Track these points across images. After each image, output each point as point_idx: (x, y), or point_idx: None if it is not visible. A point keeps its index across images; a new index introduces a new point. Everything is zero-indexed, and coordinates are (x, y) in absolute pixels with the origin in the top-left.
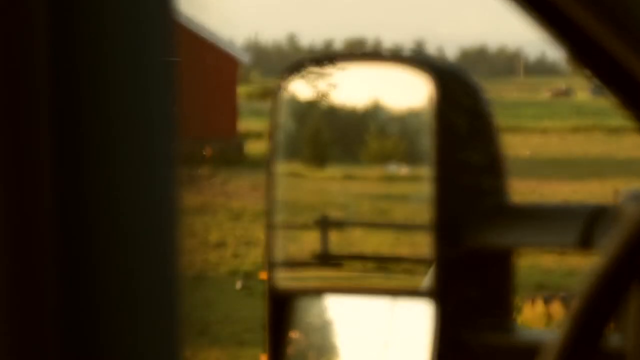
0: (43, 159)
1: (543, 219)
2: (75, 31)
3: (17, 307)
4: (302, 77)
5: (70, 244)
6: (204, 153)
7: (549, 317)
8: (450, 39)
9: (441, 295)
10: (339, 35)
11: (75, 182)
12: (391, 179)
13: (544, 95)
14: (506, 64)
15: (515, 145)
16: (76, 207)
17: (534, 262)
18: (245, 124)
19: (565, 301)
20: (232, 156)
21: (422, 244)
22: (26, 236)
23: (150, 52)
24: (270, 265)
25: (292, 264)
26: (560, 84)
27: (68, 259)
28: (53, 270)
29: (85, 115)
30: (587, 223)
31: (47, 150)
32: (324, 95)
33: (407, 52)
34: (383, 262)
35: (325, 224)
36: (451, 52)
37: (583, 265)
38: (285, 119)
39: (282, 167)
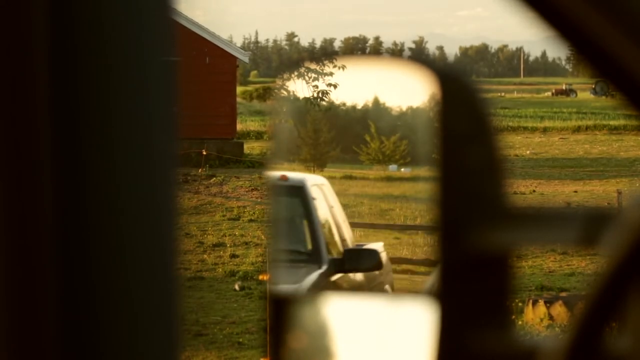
0: (43, 159)
1: (544, 220)
2: (75, 32)
3: (17, 307)
4: (302, 76)
5: (69, 243)
6: (203, 153)
7: (550, 318)
8: (450, 38)
9: (442, 296)
10: (339, 34)
11: (75, 182)
12: (391, 179)
13: (545, 94)
14: (506, 63)
15: (516, 145)
16: (75, 206)
17: (536, 263)
18: (245, 124)
19: (566, 302)
20: (231, 156)
21: (423, 245)
22: (26, 235)
23: (150, 52)
24: (271, 266)
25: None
26: (561, 83)
27: (67, 258)
28: (52, 269)
29: (85, 115)
30: (589, 224)
31: (47, 150)
32: (323, 95)
33: (407, 52)
34: None
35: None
36: (451, 52)
37: (584, 267)
38: (285, 119)
39: (281, 168)
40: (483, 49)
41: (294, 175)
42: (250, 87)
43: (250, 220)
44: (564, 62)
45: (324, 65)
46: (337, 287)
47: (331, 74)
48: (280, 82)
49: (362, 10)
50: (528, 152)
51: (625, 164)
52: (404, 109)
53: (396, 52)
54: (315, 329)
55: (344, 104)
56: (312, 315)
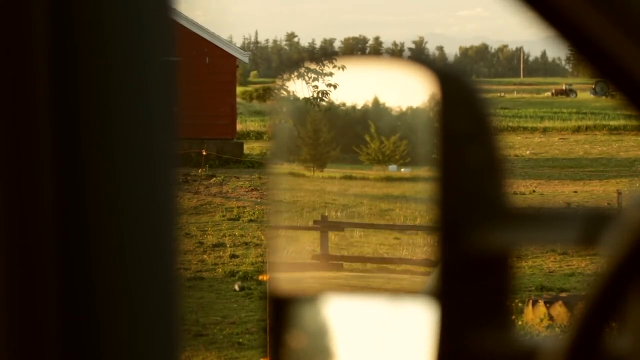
0: (43, 159)
1: (544, 220)
2: (75, 32)
3: (17, 307)
4: (302, 77)
5: (69, 243)
6: (203, 153)
7: (550, 318)
8: (450, 38)
9: (442, 296)
10: (339, 34)
11: (75, 182)
12: (391, 179)
13: (545, 94)
14: (506, 63)
15: (516, 145)
16: (75, 206)
17: (536, 263)
18: (245, 124)
19: (566, 303)
20: (231, 156)
21: (423, 245)
22: (26, 235)
23: (150, 52)
24: (271, 266)
25: (292, 265)
26: (561, 83)
27: (67, 258)
28: (52, 269)
29: (85, 115)
30: (589, 224)
31: (47, 150)
32: (323, 95)
33: (407, 52)
34: (383, 263)
35: (324, 225)
36: (451, 52)
37: (584, 267)
38: (285, 119)
39: (281, 167)
40: (483, 49)
41: None
42: (250, 87)
43: (250, 221)
44: (564, 62)
45: (323, 65)
46: None
47: (331, 74)
48: (280, 83)
49: (362, 10)
50: (528, 152)
51: (625, 164)
52: (404, 109)
53: (396, 52)
54: (315, 329)
55: (343, 104)
56: (312, 315)
